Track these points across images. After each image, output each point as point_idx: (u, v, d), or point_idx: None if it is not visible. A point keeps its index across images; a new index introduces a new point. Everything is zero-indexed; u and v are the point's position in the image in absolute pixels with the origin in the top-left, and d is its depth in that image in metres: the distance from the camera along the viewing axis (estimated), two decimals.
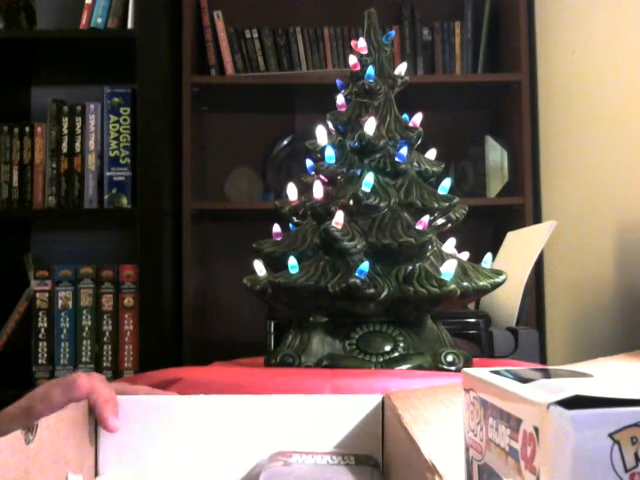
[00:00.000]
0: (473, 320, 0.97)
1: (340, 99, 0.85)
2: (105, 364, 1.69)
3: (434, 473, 0.33)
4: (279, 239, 0.82)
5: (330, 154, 0.81)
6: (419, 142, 0.84)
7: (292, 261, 0.75)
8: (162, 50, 1.74)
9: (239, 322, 1.88)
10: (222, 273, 1.93)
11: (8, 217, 1.76)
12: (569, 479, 0.21)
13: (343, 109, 0.85)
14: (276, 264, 0.79)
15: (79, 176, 1.74)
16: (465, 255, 0.82)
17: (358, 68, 0.84)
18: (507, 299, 1.08)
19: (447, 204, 0.79)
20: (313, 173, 0.84)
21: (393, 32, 0.89)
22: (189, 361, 1.67)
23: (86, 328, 1.71)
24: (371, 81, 0.82)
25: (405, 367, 0.73)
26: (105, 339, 1.70)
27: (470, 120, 1.97)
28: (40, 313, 1.71)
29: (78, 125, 1.75)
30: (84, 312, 1.71)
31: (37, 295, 1.72)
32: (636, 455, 0.21)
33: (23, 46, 1.74)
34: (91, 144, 1.74)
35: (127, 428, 0.56)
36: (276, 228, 0.82)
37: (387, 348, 0.75)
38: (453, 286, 0.73)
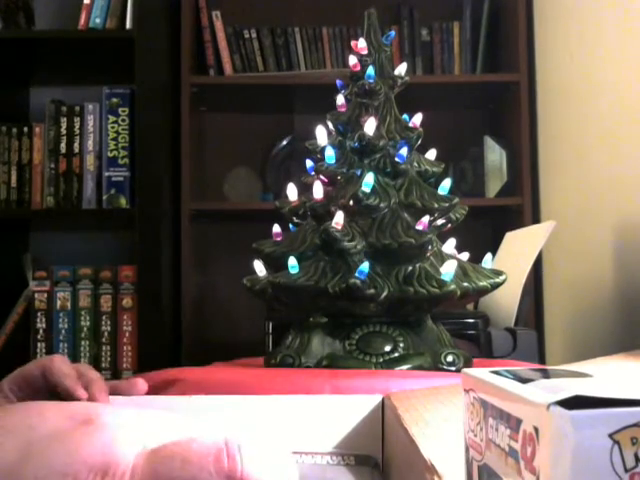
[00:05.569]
0: (472, 320, 0.97)
1: (340, 99, 0.85)
2: (104, 365, 1.69)
3: (434, 473, 0.33)
4: (279, 239, 0.82)
5: (330, 154, 0.81)
6: (419, 142, 0.84)
7: (292, 261, 0.75)
8: (161, 50, 1.74)
9: (238, 322, 1.88)
10: (221, 273, 1.93)
11: (6, 217, 1.76)
12: (569, 479, 0.21)
13: (343, 109, 0.85)
14: (276, 264, 0.79)
15: (77, 176, 1.74)
16: (465, 255, 0.82)
17: (358, 68, 0.84)
18: (506, 299, 1.08)
19: (447, 204, 0.79)
20: (313, 173, 0.84)
21: (393, 32, 0.89)
22: (188, 361, 1.67)
23: (84, 329, 1.71)
24: (371, 81, 0.82)
25: (405, 367, 0.73)
26: (104, 340, 1.70)
27: (469, 120, 1.97)
28: (39, 314, 1.71)
29: (77, 125, 1.75)
30: (82, 313, 1.71)
31: (36, 296, 1.72)
32: (636, 455, 0.21)
33: (22, 46, 1.74)
34: (90, 144, 1.74)
35: None
36: (276, 228, 0.82)
37: (387, 348, 0.75)
38: (453, 286, 0.73)
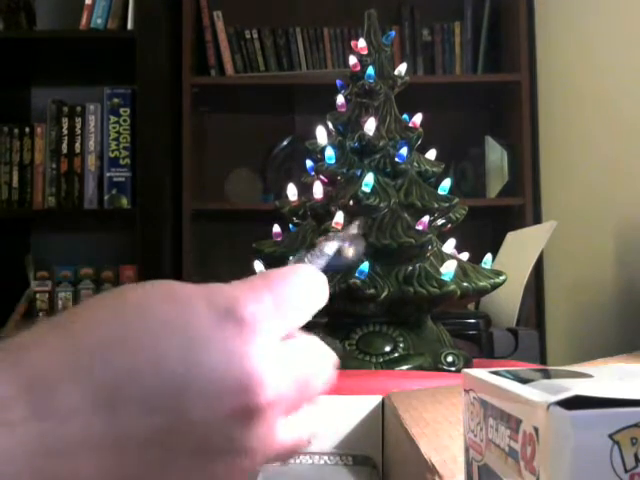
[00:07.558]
0: (473, 321, 0.97)
1: (340, 99, 0.85)
2: None
3: (434, 474, 0.33)
4: (279, 239, 0.81)
5: (330, 154, 0.80)
6: (419, 142, 0.84)
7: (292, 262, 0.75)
8: (162, 50, 1.74)
9: None
10: (222, 273, 1.93)
11: (8, 218, 1.77)
12: (568, 479, 0.21)
13: (343, 109, 0.85)
14: (276, 264, 0.79)
15: (79, 177, 1.74)
16: (465, 256, 0.82)
17: (358, 68, 0.84)
18: (507, 299, 1.08)
19: (447, 204, 0.79)
20: (313, 173, 0.84)
21: (393, 32, 0.89)
22: None
23: None
24: (371, 81, 0.82)
25: (405, 368, 0.73)
26: None
27: (470, 120, 1.97)
28: (40, 314, 1.71)
29: (78, 126, 1.75)
30: None
31: (37, 296, 1.72)
32: (636, 456, 0.21)
33: (23, 46, 1.74)
34: (91, 145, 1.74)
35: None
36: (276, 228, 0.82)
37: (387, 349, 0.75)
38: (453, 286, 0.73)
